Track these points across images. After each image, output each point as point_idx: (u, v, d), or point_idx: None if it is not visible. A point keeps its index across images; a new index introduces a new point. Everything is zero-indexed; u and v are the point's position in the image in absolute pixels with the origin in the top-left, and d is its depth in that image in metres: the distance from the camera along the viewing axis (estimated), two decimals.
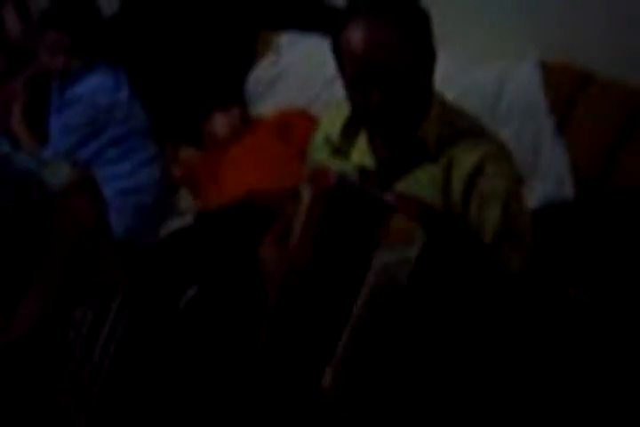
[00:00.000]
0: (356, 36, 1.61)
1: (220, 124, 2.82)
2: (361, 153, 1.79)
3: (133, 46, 3.06)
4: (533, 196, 2.33)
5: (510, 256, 1.67)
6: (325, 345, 1.57)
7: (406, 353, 1.56)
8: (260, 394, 1.69)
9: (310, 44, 2.89)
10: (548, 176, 2.39)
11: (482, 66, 2.58)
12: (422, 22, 1.66)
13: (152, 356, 2.07)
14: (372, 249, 1.52)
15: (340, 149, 1.82)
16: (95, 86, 2.67)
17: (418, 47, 1.63)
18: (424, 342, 1.56)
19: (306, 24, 2.94)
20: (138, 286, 2.29)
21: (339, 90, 1.73)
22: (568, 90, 2.45)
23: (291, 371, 1.63)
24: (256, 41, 3.05)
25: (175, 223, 2.70)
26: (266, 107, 2.94)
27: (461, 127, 1.73)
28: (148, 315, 2.19)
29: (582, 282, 2.07)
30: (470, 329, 1.58)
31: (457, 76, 2.53)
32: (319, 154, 1.88)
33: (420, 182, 1.71)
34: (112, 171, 2.71)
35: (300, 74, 2.92)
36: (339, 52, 1.66)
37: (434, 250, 1.51)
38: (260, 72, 3.01)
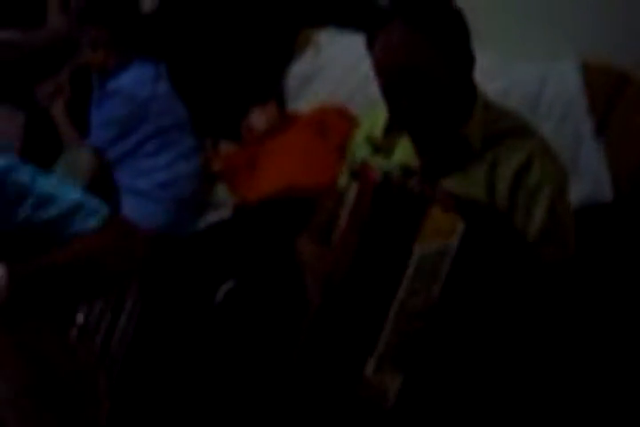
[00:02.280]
0: (380, 47, 1.65)
1: (258, 119, 2.83)
2: (404, 152, 1.80)
3: (174, 42, 3.08)
4: (571, 196, 2.32)
5: (552, 253, 1.67)
6: (368, 335, 1.59)
7: (447, 342, 1.57)
8: (302, 385, 1.70)
9: (349, 41, 2.89)
10: (587, 177, 2.39)
11: (522, 66, 2.58)
12: (457, 26, 1.67)
13: (187, 349, 2.09)
14: (413, 241, 1.54)
15: (383, 147, 1.83)
16: (134, 80, 2.69)
17: (450, 53, 1.64)
18: (463, 331, 1.57)
19: (345, 21, 2.95)
20: (165, 278, 2.31)
21: (376, 87, 1.74)
22: (607, 91, 2.44)
23: (333, 361, 1.65)
24: (295, 37, 3.06)
25: (213, 217, 2.72)
26: (304, 103, 2.95)
27: (506, 126, 1.73)
28: (184, 308, 2.22)
29: (615, 284, 2.07)
30: (507, 319, 1.59)
31: (497, 75, 2.53)
32: (361, 152, 1.89)
33: (465, 181, 1.71)
34: (151, 163, 2.73)
35: (339, 70, 2.92)
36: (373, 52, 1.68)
37: (473, 242, 1.53)
38: (299, 68, 3.02)
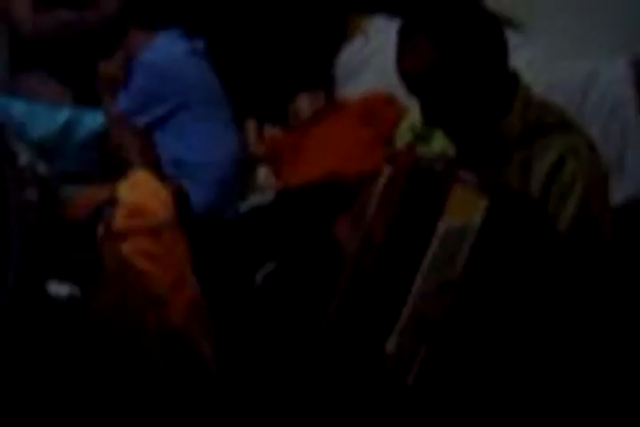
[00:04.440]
0: (402, 53, 1.69)
1: (305, 104, 2.85)
2: (442, 141, 1.81)
3: (223, 23, 3.09)
4: (617, 193, 2.31)
5: (583, 246, 1.67)
6: (391, 311, 1.60)
7: (469, 319, 1.57)
8: (329, 360, 1.72)
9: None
10: (633, 175, 2.38)
11: (572, 59, 2.56)
12: (479, 22, 1.67)
13: (227, 330, 2.12)
14: (437, 217, 1.55)
15: (422, 135, 1.84)
16: (161, 54, 2.73)
17: (477, 54, 1.64)
18: (485, 307, 1.58)
19: (395, 8, 2.94)
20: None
21: None
22: None
23: (358, 336, 1.66)
24: (346, 24, 3.07)
25: (255, 200, 2.74)
26: (352, 90, 2.95)
27: (548, 121, 1.73)
28: (225, 289, 2.24)
29: None
30: (529, 298, 1.59)
31: (544, 70, 2.51)
32: (403, 140, 1.91)
33: (499, 174, 1.71)
34: (186, 139, 2.75)
35: (388, 58, 2.89)
36: None
37: (498, 219, 1.53)
38: (348, 55, 3.02)
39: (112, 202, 1.79)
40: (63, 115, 2.06)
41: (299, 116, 2.85)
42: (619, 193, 2.31)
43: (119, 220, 1.76)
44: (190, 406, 1.86)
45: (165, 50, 2.75)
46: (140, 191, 1.80)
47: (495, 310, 1.57)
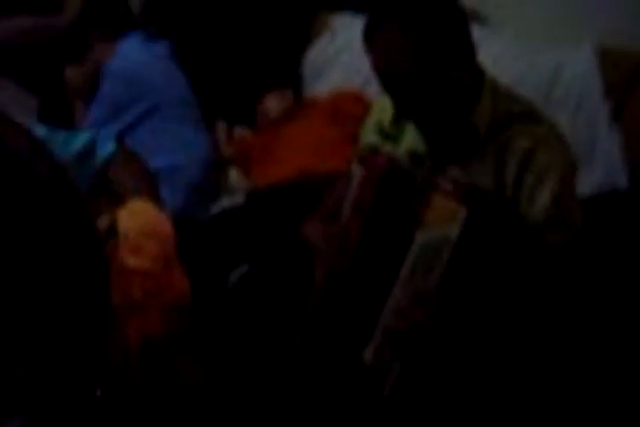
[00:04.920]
0: (376, 50, 1.66)
1: (273, 104, 2.84)
2: (412, 138, 1.81)
3: (189, 25, 3.07)
4: (586, 183, 2.31)
5: (555, 239, 1.67)
6: (367, 321, 1.60)
7: (447, 330, 1.57)
8: (306, 367, 1.72)
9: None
10: (601, 164, 2.38)
11: (538, 51, 2.56)
12: (453, 17, 1.67)
13: (199, 332, 2.10)
14: (415, 227, 1.54)
15: (391, 134, 1.84)
16: (127, 59, 2.71)
17: (450, 48, 1.64)
18: (464, 319, 1.57)
19: (361, 5, 2.94)
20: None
21: None
22: (624, 76, 2.42)
23: (333, 346, 1.66)
24: (311, 22, 3.05)
25: (226, 202, 2.72)
26: (320, 88, 2.94)
27: (515, 111, 1.73)
28: (197, 291, 2.23)
29: (629, 271, 2.06)
30: (510, 307, 1.59)
31: (513, 61, 2.52)
32: (369, 139, 1.90)
33: (472, 167, 1.71)
34: (154, 143, 2.72)
35: (355, 55, 2.90)
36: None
37: (476, 229, 1.53)
38: (315, 53, 3.01)
39: (113, 233, 1.76)
40: (78, 141, 2.04)
41: (267, 116, 2.84)
42: (587, 183, 2.32)
43: (124, 256, 1.72)
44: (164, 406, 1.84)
45: (131, 55, 2.73)
46: (142, 223, 1.76)
47: (471, 322, 1.57)
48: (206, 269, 2.26)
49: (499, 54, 2.34)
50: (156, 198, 1.80)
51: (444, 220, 1.53)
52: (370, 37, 1.67)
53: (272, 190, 2.51)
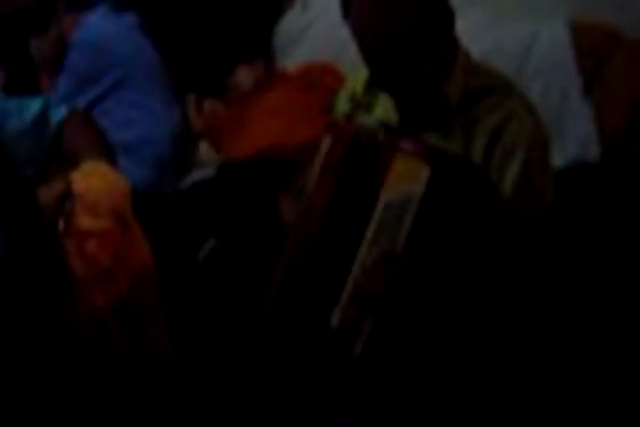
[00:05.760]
0: (355, 13, 1.66)
1: (244, 76, 2.81)
2: (384, 109, 1.80)
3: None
4: (558, 156, 2.31)
5: (525, 210, 1.67)
6: (334, 284, 1.59)
7: (412, 291, 1.57)
8: (274, 335, 1.71)
9: None
10: (573, 137, 2.38)
11: (511, 24, 2.56)
12: None
13: (169, 306, 2.09)
14: (379, 188, 1.54)
15: (363, 104, 1.83)
16: (93, 31, 2.68)
17: (429, 12, 1.63)
18: (428, 280, 1.57)
19: None
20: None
21: None
22: (597, 50, 2.43)
23: (301, 311, 1.65)
24: None
25: (196, 175, 2.70)
26: (292, 60, 2.92)
27: (487, 84, 1.73)
28: (167, 265, 2.21)
29: (599, 243, 2.07)
30: (476, 266, 1.59)
31: (486, 33, 2.51)
32: (342, 109, 1.89)
33: (442, 138, 1.70)
34: (123, 115, 2.69)
35: (327, 27, 2.88)
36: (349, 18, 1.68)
37: (441, 188, 1.52)
38: (286, 25, 2.97)
39: (68, 196, 1.74)
40: (32, 108, 2.01)
41: (238, 88, 2.81)
42: (559, 156, 2.32)
43: (80, 217, 1.70)
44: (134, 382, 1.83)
45: (97, 27, 2.70)
46: (96, 183, 1.75)
47: (439, 280, 1.57)
48: (176, 243, 2.24)
49: (471, 25, 2.32)
50: (110, 160, 1.80)
51: (407, 179, 1.53)
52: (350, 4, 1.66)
53: (243, 164, 2.50)
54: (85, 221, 1.68)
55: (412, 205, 1.53)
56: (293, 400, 1.70)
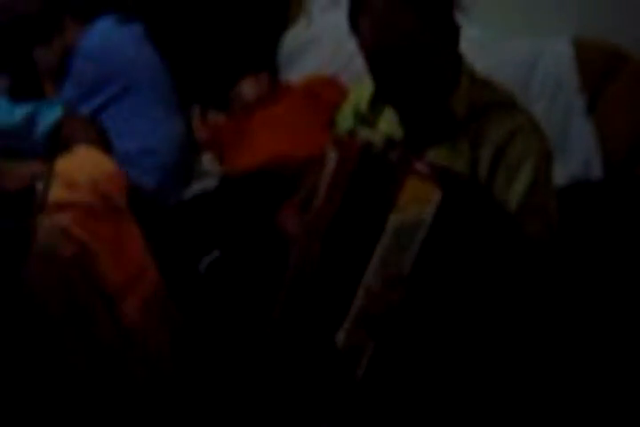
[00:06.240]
0: (367, 28, 1.65)
1: (248, 88, 2.81)
2: (388, 123, 1.80)
3: (164, 8, 3.04)
4: (561, 174, 2.31)
5: (532, 228, 1.66)
6: (340, 305, 1.59)
7: (419, 314, 1.56)
8: (278, 354, 1.71)
9: (342, 10, 2.86)
10: (576, 155, 2.38)
11: (515, 40, 2.56)
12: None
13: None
14: (389, 210, 1.53)
15: (368, 119, 1.83)
16: (99, 38, 2.69)
17: (435, 26, 1.63)
18: (436, 302, 1.56)
19: None
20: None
21: None
22: (601, 69, 2.43)
23: (306, 330, 1.65)
24: (288, 7, 3.03)
25: (199, 186, 2.70)
26: (296, 73, 2.92)
27: (492, 99, 1.73)
28: (168, 277, 2.21)
29: (603, 261, 2.07)
30: (483, 292, 1.58)
31: (488, 51, 2.51)
32: (347, 124, 1.89)
33: (447, 153, 1.71)
34: (127, 125, 2.70)
35: (332, 40, 2.89)
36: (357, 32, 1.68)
37: (451, 212, 1.52)
38: (291, 39, 2.99)
39: (47, 174, 1.73)
40: (23, 109, 2.04)
41: (242, 100, 2.82)
42: (561, 174, 2.32)
43: (57, 190, 1.69)
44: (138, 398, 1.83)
45: (103, 35, 2.70)
46: (79, 162, 1.74)
47: (444, 306, 1.57)
48: (177, 254, 2.24)
49: (475, 42, 2.33)
50: (106, 149, 1.80)
51: (418, 202, 1.52)
52: (362, 10, 1.65)
53: (246, 176, 2.49)
54: (60, 194, 1.66)
55: (422, 228, 1.52)
56: (288, 411, 1.70)
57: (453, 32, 1.68)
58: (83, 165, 1.71)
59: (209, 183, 2.68)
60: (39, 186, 1.68)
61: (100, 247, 1.74)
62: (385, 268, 1.55)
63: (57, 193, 1.66)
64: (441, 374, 1.59)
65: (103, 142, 2.63)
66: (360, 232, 1.58)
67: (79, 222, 1.68)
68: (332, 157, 1.64)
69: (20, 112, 1.89)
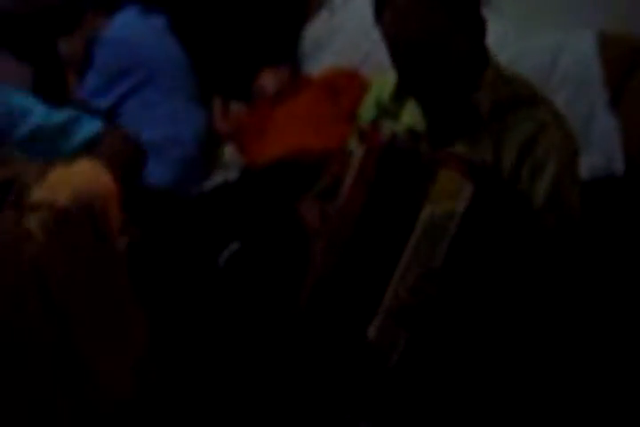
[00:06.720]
0: (389, 17, 1.62)
1: (270, 81, 2.82)
2: (411, 116, 1.79)
3: (186, 0, 3.05)
4: (583, 168, 2.28)
5: (555, 223, 1.66)
6: (372, 296, 1.59)
7: (451, 305, 1.57)
8: (305, 346, 1.71)
9: (364, 2, 2.85)
10: (598, 150, 2.37)
11: (537, 35, 2.55)
12: None
13: (190, 312, 2.09)
14: (421, 203, 1.54)
15: (390, 111, 1.82)
16: (123, 29, 2.70)
17: (461, 19, 1.62)
18: (466, 294, 1.57)
19: None
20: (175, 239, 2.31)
21: None
22: (625, 63, 2.41)
23: (336, 322, 1.65)
24: None
25: (219, 178, 2.71)
26: (317, 65, 2.92)
27: (518, 93, 1.71)
28: (188, 269, 2.22)
29: (623, 256, 2.06)
30: (510, 282, 1.58)
31: (511, 44, 2.50)
32: (369, 116, 1.88)
33: (471, 148, 1.70)
34: (149, 114, 2.71)
35: (353, 33, 2.89)
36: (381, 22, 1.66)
37: (482, 205, 1.52)
38: (313, 30, 2.98)
39: (33, 174, 1.73)
40: (61, 115, 2.02)
41: (263, 92, 2.82)
42: (584, 168, 2.30)
43: (34, 192, 1.66)
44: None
45: (127, 26, 2.72)
46: (70, 172, 1.71)
47: (477, 298, 1.57)
48: (197, 246, 2.24)
49: (499, 35, 2.32)
50: (115, 170, 1.76)
51: (450, 195, 1.53)
52: (387, 1, 1.63)
53: (267, 167, 2.50)
54: (37, 194, 1.63)
55: (454, 221, 1.53)
56: (317, 403, 1.70)
57: (479, 26, 1.67)
58: (70, 174, 1.68)
59: (230, 175, 2.68)
60: (18, 184, 1.68)
61: (64, 255, 1.66)
62: (417, 260, 1.55)
63: (33, 194, 1.64)
64: (471, 366, 1.59)
65: (139, 157, 2.64)
66: (390, 225, 1.59)
67: (41, 224, 1.63)
68: (357, 150, 1.63)
69: (58, 116, 1.89)
